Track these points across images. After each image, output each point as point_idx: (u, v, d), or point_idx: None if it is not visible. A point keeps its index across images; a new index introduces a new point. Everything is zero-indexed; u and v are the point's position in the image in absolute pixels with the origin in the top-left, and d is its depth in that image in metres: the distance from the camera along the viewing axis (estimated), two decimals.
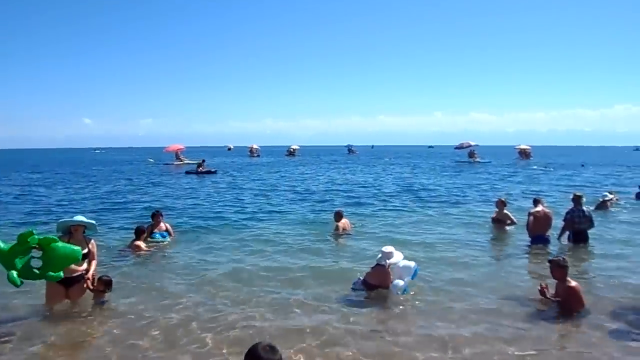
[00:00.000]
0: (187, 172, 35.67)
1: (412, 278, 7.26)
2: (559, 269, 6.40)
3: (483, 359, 5.15)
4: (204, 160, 38.08)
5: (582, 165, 46.35)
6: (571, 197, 10.91)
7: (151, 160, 56.64)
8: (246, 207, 17.43)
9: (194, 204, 18.39)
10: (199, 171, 34.76)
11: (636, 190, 19.31)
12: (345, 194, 21.97)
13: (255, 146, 78.64)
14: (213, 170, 36.34)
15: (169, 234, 11.16)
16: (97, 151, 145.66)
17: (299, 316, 6.43)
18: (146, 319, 6.33)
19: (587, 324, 6.02)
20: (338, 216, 12.12)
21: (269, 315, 6.43)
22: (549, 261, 6.61)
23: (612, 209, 15.87)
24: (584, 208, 10.58)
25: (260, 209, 16.87)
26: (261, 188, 24.95)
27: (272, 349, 3.14)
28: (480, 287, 7.73)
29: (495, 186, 26.03)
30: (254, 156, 72.80)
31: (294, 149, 78.95)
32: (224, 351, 5.37)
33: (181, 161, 47.80)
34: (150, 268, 9.07)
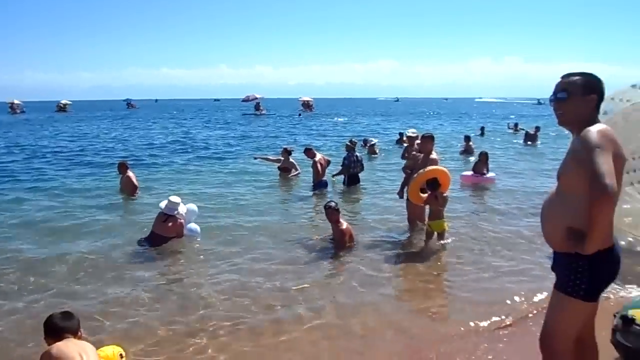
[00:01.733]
0: None
1: None
2: (332, 212, 6.94)
3: (265, 293, 5.51)
4: None
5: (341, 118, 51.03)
6: (346, 144, 12.13)
7: None
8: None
9: None
10: None
11: (397, 136, 22.43)
12: (123, 152, 20.59)
13: (16, 101, 67.83)
14: None
15: None
16: None
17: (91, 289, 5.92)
18: None
19: (356, 255, 6.80)
20: (123, 167, 11.15)
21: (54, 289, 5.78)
22: (324, 206, 7.11)
23: (378, 154, 18.10)
24: (357, 154, 11.86)
25: (24, 175, 14.70)
26: (25, 150, 21.67)
27: (67, 315, 3.25)
28: (266, 231, 8.09)
29: (281, 136, 27.28)
30: (16, 113, 62.97)
31: (64, 104, 70.83)
32: None
33: None
34: None
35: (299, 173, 12.91)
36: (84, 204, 10.36)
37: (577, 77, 2.72)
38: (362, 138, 19.73)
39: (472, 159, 15.40)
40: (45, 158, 18.73)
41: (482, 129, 27.27)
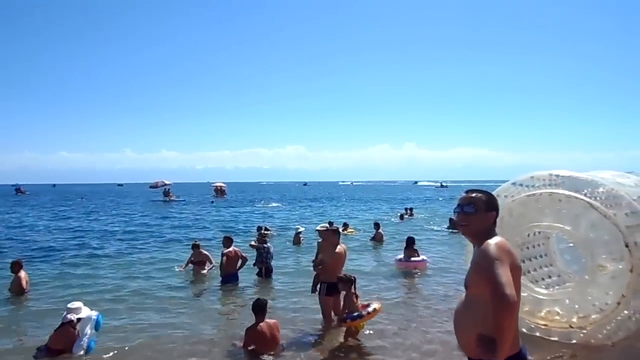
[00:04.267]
0: None
1: (97, 330, 6.63)
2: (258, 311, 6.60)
3: None
4: None
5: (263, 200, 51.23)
6: (259, 234, 12.03)
7: None
8: None
9: None
10: None
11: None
12: (18, 245, 18.89)
13: None
14: None
15: None
16: None
17: None
18: None
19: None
20: (17, 266, 10.34)
21: None
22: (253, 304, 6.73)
23: (302, 242, 17.29)
24: (268, 244, 11.81)
25: None
26: None
27: None
28: (174, 328, 7.76)
29: (191, 226, 26.48)
30: None
31: None
32: None
33: None
34: None
35: (213, 266, 11.97)
36: None
37: (481, 194, 3.01)
38: (297, 226, 19.10)
39: (382, 245, 16.00)
40: None
41: (402, 215, 29.05)
